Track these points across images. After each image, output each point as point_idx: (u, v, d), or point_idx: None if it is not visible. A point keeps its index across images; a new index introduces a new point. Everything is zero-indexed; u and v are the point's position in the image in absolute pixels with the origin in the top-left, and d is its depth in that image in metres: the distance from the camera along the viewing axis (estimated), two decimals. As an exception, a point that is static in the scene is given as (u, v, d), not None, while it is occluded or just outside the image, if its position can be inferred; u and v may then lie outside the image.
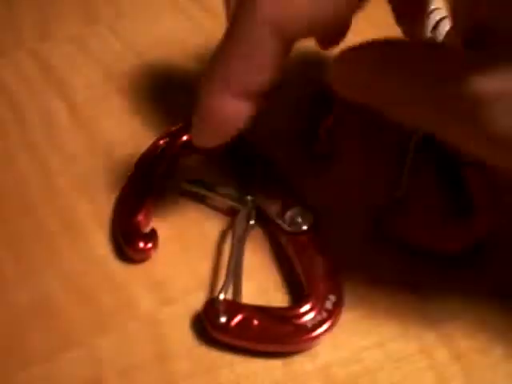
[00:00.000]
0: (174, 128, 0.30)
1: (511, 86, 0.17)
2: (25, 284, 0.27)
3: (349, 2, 0.20)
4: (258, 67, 0.21)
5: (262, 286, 0.27)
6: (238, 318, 0.25)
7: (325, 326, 0.25)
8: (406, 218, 0.28)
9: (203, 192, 0.29)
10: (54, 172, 0.31)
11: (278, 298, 0.27)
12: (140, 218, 0.28)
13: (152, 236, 0.28)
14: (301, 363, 0.26)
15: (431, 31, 0.32)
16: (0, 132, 0.32)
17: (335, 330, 0.26)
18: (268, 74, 0.21)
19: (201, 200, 0.29)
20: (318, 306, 0.25)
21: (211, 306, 0.25)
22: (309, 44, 0.33)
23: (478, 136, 0.18)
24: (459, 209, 0.29)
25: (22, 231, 0.29)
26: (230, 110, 0.22)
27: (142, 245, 0.27)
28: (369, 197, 0.29)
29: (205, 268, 0.28)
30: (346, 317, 0.26)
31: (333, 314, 0.25)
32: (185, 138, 0.30)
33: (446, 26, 0.32)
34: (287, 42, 0.21)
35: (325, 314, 0.25)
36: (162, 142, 0.30)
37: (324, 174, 0.30)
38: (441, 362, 0.26)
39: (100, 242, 0.28)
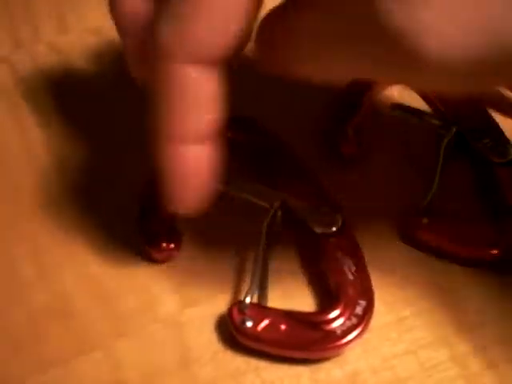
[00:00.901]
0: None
1: None
2: (42, 284, 0.27)
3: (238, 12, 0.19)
4: (195, 108, 0.20)
5: (288, 289, 0.26)
6: (265, 322, 0.24)
7: (355, 333, 0.24)
8: (437, 221, 0.27)
9: (234, 191, 0.28)
10: (73, 167, 0.30)
11: (304, 302, 0.26)
12: (163, 217, 0.27)
13: (175, 236, 0.27)
14: (329, 370, 0.25)
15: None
16: (19, 127, 0.31)
17: (365, 335, 0.25)
18: (210, 109, 0.20)
19: (229, 199, 0.28)
20: (347, 312, 0.24)
21: (237, 310, 0.24)
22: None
23: (389, 47, 0.17)
24: (493, 212, 0.28)
25: (39, 228, 0.28)
26: (190, 159, 0.21)
27: (164, 245, 0.26)
28: (398, 198, 0.28)
29: (229, 270, 0.27)
30: (376, 322, 0.25)
31: (363, 320, 0.24)
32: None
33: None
34: (209, 68, 0.20)
35: (355, 320, 0.24)
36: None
37: (352, 174, 0.29)
38: (473, 371, 0.25)
39: (120, 242, 0.28)
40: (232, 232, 0.28)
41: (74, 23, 0.35)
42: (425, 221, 0.27)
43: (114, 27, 0.34)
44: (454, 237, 0.27)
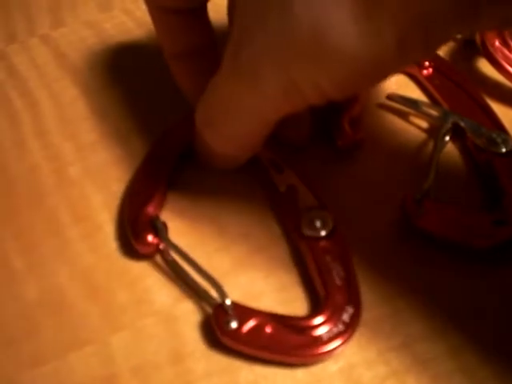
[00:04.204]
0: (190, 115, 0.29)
1: None
2: (34, 277, 0.26)
3: None
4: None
5: (282, 281, 0.26)
6: (251, 324, 0.24)
7: (340, 340, 0.24)
8: (434, 211, 0.27)
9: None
10: (67, 161, 0.30)
11: (299, 305, 0.26)
12: (149, 209, 0.26)
13: (161, 230, 0.26)
14: (324, 364, 0.24)
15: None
16: (12, 120, 0.31)
17: (360, 329, 0.24)
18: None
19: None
20: (334, 318, 0.24)
21: (221, 310, 0.24)
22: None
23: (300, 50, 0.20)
24: (490, 202, 0.27)
25: (32, 222, 0.28)
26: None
27: (150, 238, 0.26)
28: (394, 189, 0.28)
29: (222, 262, 0.26)
30: (371, 315, 0.25)
31: (350, 327, 0.24)
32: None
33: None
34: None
35: (341, 327, 0.24)
36: (177, 129, 0.29)
37: (347, 165, 0.29)
38: (469, 364, 0.24)
39: (113, 235, 0.27)
40: (222, 223, 0.27)
41: (69, 16, 0.35)
42: (421, 210, 0.26)
43: (108, 21, 0.34)
44: (451, 226, 0.26)
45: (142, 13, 0.34)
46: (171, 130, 0.29)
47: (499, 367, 0.24)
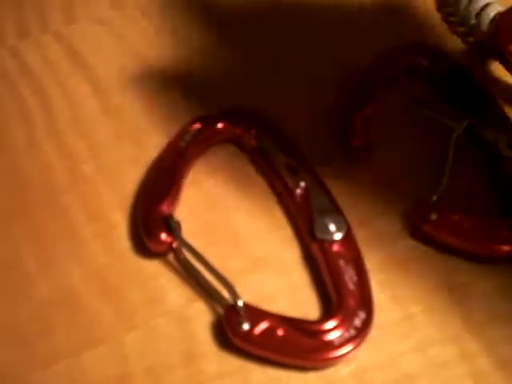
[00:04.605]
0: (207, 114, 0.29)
1: None
2: (47, 277, 0.26)
3: None
4: None
5: (294, 284, 0.26)
6: (263, 326, 0.24)
7: (352, 345, 0.24)
8: (447, 216, 0.27)
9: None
10: (80, 160, 0.29)
11: (311, 298, 0.26)
12: (163, 208, 0.26)
13: (175, 228, 0.26)
14: (335, 367, 0.24)
15: (475, 17, 0.30)
16: (24, 118, 0.31)
17: (373, 332, 0.24)
18: None
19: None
20: (346, 323, 0.24)
21: (233, 312, 0.24)
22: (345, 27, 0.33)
23: None
24: (505, 208, 0.27)
25: (45, 222, 0.28)
26: None
27: (163, 237, 0.26)
28: (407, 192, 0.28)
29: (234, 263, 0.26)
30: (384, 319, 0.25)
31: (361, 332, 0.24)
32: (220, 125, 0.29)
33: (492, 12, 0.30)
34: None
35: (353, 332, 0.24)
36: (193, 127, 0.29)
37: (361, 166, 0.29)
38: (482, 370, 0.24)
39: (126, 234, 0.27)
40: (236, 224, 0.27)
41: (82, 13, 0.35)
42: (434, 216, 0.26)
43: (121, 17, 0.34)
44: (464, 232, 0.26)
45: (155, 9, 0.34)
46: (189, 126, 0.29)
47: None
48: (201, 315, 0.25)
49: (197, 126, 0.29)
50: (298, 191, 0.27)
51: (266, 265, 0.27)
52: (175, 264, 0.27)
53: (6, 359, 0.25)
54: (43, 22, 0.34)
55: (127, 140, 0.30)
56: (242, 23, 0.33)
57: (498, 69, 0.31)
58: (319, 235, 0.26)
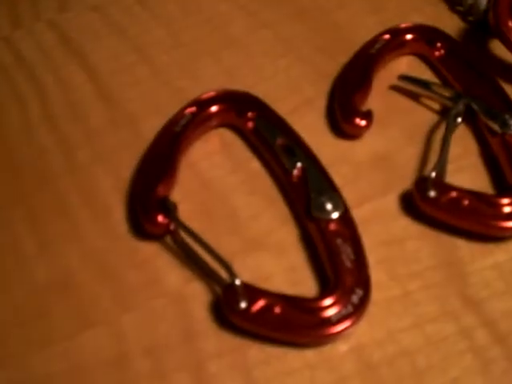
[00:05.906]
0: (203, 97, 0.29)
1: None
2: (44, 259, 0.26)
3: None
4: None
5: (291, 263, 0.26)
6: (260, 304, 0.24)
7: (349, 322, 0.24)
8: (445, 194, 0.27)
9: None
10: (75, 145, 0.29)
11: (309, 277, 0.26)
12: (160, 190, 0.26)
13: (172, 209, 0.26)
14: (333, 343, 0.24)
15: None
16: (19, 105, 0.31)
17: (371, 309, 0.24)
18: None
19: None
20: (343, 300, 0.24)
21: (231, 290, 0.24)
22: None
23: None
24: (503, 186, 0.27)
25: (41, 205, 0.28)
26: None
27: (160, 218, 0.26)
28: (405, 171, 0.28)
29: (232, 244, 0.26)
30: (381, 296, 0.25)
31: (359, 309, 0.24)
32: (215, 108, 0.29)
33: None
34: None
35: (350, 308, 0.24)
36: (188, 111, 0.29)
37: (358, 147, 0.29)
38: (481, 345, 0.24)
39: (123, 217, 0.27)
40: (233, 205, 0.27)
41: (74, 1, 0.35)
42: (432, 193, 0.26)
43: (114, 4, 0.34)
44: (462, 210, 0.26)
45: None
46: (185, 110, 0.29)
47: (510, 348, 0.24)
48: (198, 295, 0.25)
49: (192, 109, 0.29)
50: (295, 172, 0.27)
51: (263, 245, 0.27)
52: (172, 246, 0.26)
53: (3, 341, 0.25)
54: (36, 10, 0.34)
55: (122, 125, 0.30)
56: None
57: (498, 47, 0.31)
58: (316, 214, 0.26)
